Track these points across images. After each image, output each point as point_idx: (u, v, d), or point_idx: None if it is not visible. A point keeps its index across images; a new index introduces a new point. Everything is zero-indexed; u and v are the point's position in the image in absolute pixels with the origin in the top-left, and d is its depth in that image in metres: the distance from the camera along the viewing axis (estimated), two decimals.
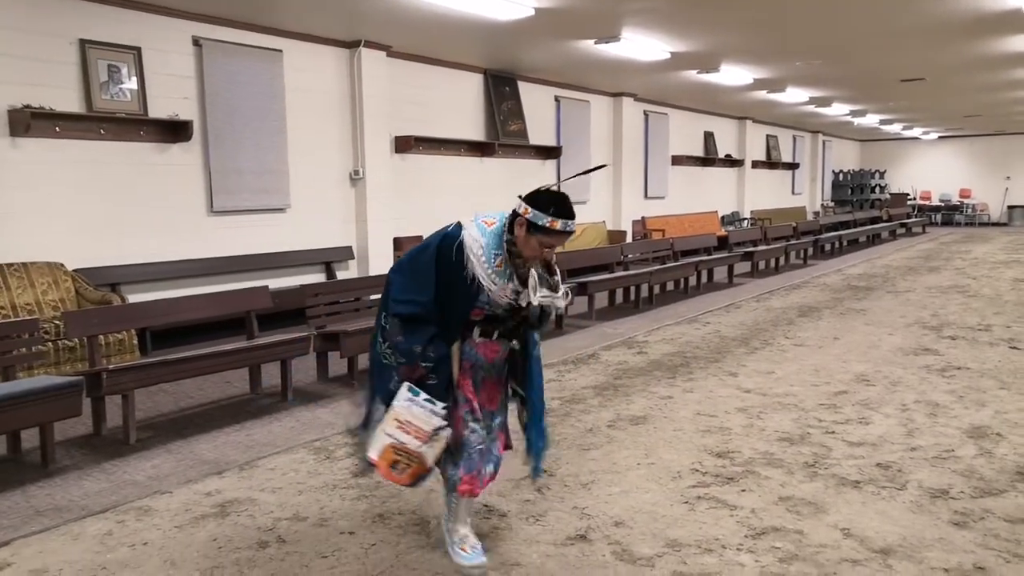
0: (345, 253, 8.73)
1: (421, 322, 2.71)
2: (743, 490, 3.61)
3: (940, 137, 25.42)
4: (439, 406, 2.71)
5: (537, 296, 2.68)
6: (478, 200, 10.74)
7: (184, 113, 7.08)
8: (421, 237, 9.65)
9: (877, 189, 24.92)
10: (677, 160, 15.69)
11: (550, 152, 11.96)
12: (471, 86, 10.60)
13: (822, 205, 23.02)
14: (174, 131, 7.01)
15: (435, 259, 2.73)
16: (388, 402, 2.75)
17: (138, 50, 6.75)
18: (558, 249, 2.81)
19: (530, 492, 3.63)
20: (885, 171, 25.47)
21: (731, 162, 17.86)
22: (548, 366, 6.20)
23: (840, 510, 3.37)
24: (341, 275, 8.64)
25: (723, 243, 13.58)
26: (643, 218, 14.50)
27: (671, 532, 3.19)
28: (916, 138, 25.59)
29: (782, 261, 13.58)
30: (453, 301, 2.74)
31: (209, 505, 3.53)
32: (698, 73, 11.46)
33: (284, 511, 3.45)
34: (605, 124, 13.50)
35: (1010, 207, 24.61)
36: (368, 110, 8.66)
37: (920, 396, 5.15)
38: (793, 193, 21.51)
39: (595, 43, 9.03)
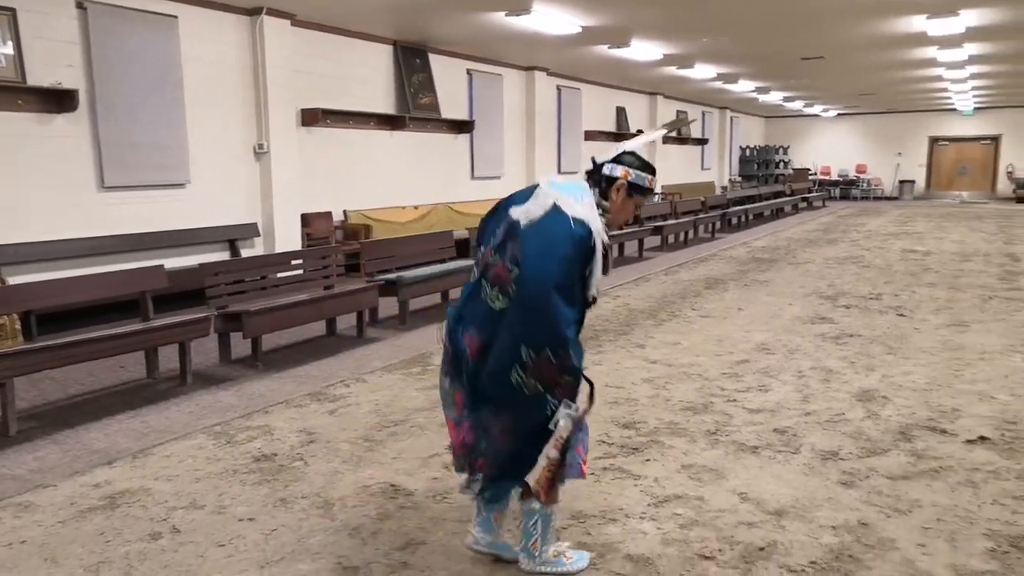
0: (250, 230, 8.43)
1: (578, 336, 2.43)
2: (647, 459, 3.68)
3: (838, 115, 26.54)
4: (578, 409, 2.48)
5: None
6: (389, 174, 10.57)
7: (69, 81, 6.64)
8: (331, 214, 9.44)
9: (781, 164, 25.83)
10: (590, 135, 15.82)
11: (463, 126, 11.85)
12: (381, 58, 10.36)
13: (730, 180, 23.71)
14: (58, 100, 6.58)
15: (577, 264, 2.40)
16: (541, 429, 2.44)
17: (13, 12, 6.27)
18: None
19: (438, 470, 3.60)
20: (788, 147, 26.42)
21: None
22: None
23: (739, 475, 3.48)
24: (247, 253, 8.35)
25: (634, 218, 13.80)
26: None
27: (577, 504, 3.21)
28: (816, 115, 26.62)
29: (691, 235, 13.93)
30: (581, 299, 2.46)
31: (97, 497, 3.35)
32: (609, 48, 11.53)
33: (179, 500, 3.31)
34: (518, 98, 13.46)
35: (901, 182, 25.97)
36: (272, 81, 8.35)
37: (815, 363, 5.38)
38: (702, 168, 22.06)
39: (506, 15, 8.95)
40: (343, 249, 8.23)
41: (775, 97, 20.37)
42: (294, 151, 8.75)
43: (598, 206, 2.51)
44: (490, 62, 12.49)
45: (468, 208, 11.86)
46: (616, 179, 2.54)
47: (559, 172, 14.84)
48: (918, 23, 9.92)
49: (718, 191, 21.50)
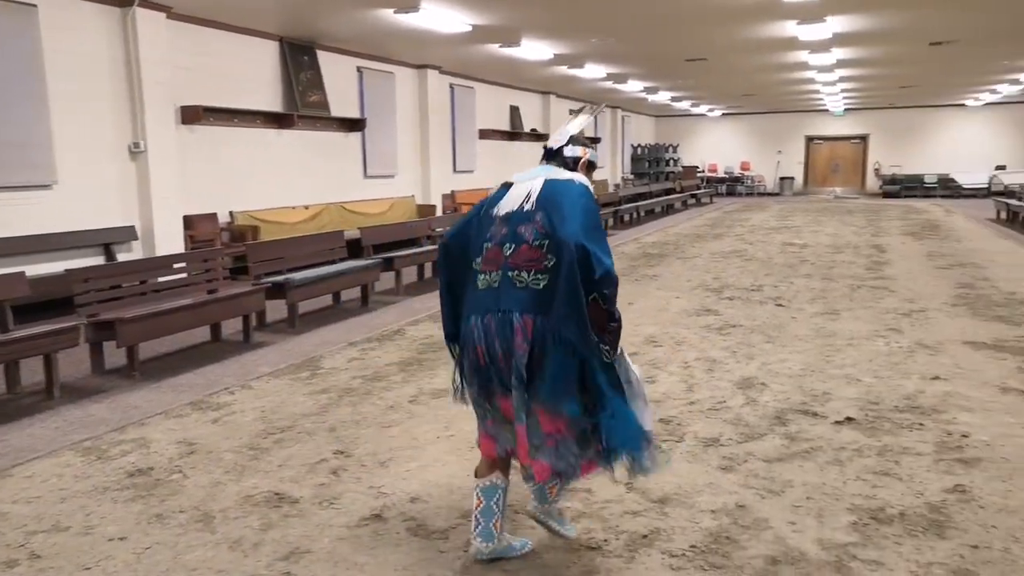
0: (127, 233, 7.99)
1: None
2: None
3: (723, 114, 27.70)
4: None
5: None
6: (278, 173, 10.26)
7: None
8: (216, 215, 9.07)
9: (671, 162, 26.71)
10: (485, 134, 15.87)
11: (354, 124, 11.65)
12: (266, 54, 10.04)
13: (622, 178, 24.32)
14: None
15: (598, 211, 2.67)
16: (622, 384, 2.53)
17: None
18: None
19: (325, 476, 3.51)
20: (678, 145, 27.34)
21: (537, 136, 18.32)
22: (352, 344, 6.07)
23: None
24: (124, 258, 7.90)
25: None
26: (453, 192, 14.55)
27: (467, 503, 3.20)
28: (703, 115, 27.69)
29: None
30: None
31: None
32: (500, 47, 11.60)
33: (40, 523, 3.09)
34: (411, 96, 13.34)
35: (781, 178, 27.36)
36: (148, 77, 7.93)
37: (700, 353, 5.57)
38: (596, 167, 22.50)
39: (395, 12, 8.85)
40: (228, 252, 7.95)
41: (663, 97, 21.04)
42: (174, 150, 8.35)
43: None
44: (381, 60, 12.32)
45: (361, 207, 11.67)
46: (579, 158, 2.80)
47: (454, 171, 14.81)
48: (790, 28, 10.46)
49: (611, 189, 22.00)
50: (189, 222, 8.65)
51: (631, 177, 25.04)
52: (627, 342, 5.94)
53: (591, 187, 2.70)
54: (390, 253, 8.46)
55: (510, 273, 2.53)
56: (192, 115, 8.63)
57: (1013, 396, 4.44)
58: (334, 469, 3.58)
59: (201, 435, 4.08)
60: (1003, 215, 15.94)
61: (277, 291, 6.55)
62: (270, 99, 10.10)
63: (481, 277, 2.60)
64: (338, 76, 11.38)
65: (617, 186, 22.96)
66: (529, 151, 18.25)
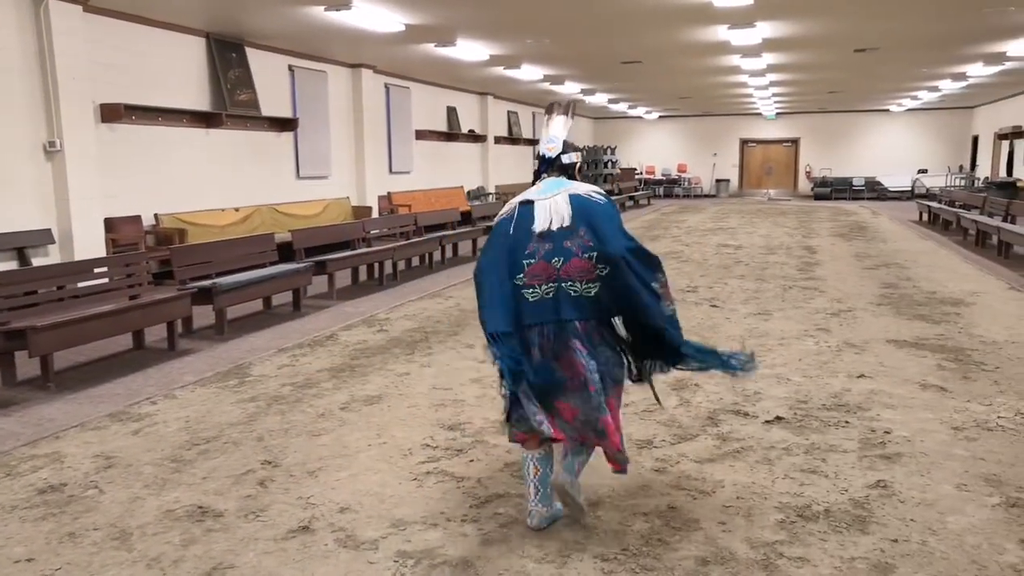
0: (43, 237, 7.61)
1: None
2: (471, 460, 3.67)
3: (660, 117, 28.12)
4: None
5: None
6: (206, 174, 9.96)
7: None
8: (140, 218, 8.75)
9: (609, 164, 26.98)
10: (421, 135, 15.74)
11: (286, 124, 11.39)
12: (192, 51, 9.72)
13: None
14: None
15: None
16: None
17: None
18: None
19: (252, 488, 3.39)
20: (616, 147, 27.64)
21: (474, 137, 18.29)
22: (282, 351, 5.92)
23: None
24: (40, 262, 7.53)
25: (468, 218, 13.90)
26: (389, 193, 14.38)
27: (398, 511, 3.14)
28: (640, 117, 28.06)
29: None
30: None
31: None
32: (436, 47, 11.50)
33: None
34: (345, 96, 13.13)
35: (717, 180, 27.95)
36: (63, 73, 7.56)
37: None
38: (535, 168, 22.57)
39: (325, 10, 8.68)
40: (153, 255, 7.67)
41: (601, 99, 21.23)
42: (93, 150, 7.99)
43: None
44: (313, 58, 12.09)
45: (294, 209, 11.43)
46: (575, 164, 3.13)
47: (391, 172, 14.65)
48: (722, 33, 10.66)
49: None
50: (111, 225, 8.31)
51: None
52: None
53: (611, 199, 3.05)
54: (323, 256, 8.29)
55: (564, 284, 2.84)
56: (113, 113, 8.29)
57: (932, 392, 4.59)
58: (261, 480, 3.46)
59: (120, 448, 3.90)
60: (925, 217, 16.59)
61: (204, 296, 6.33)
62: (197, 97, 9.79)
63: (530, 291, 2.85)
64: (269, 74, 11.11)
65: None
66: (467, 152, 18.19)
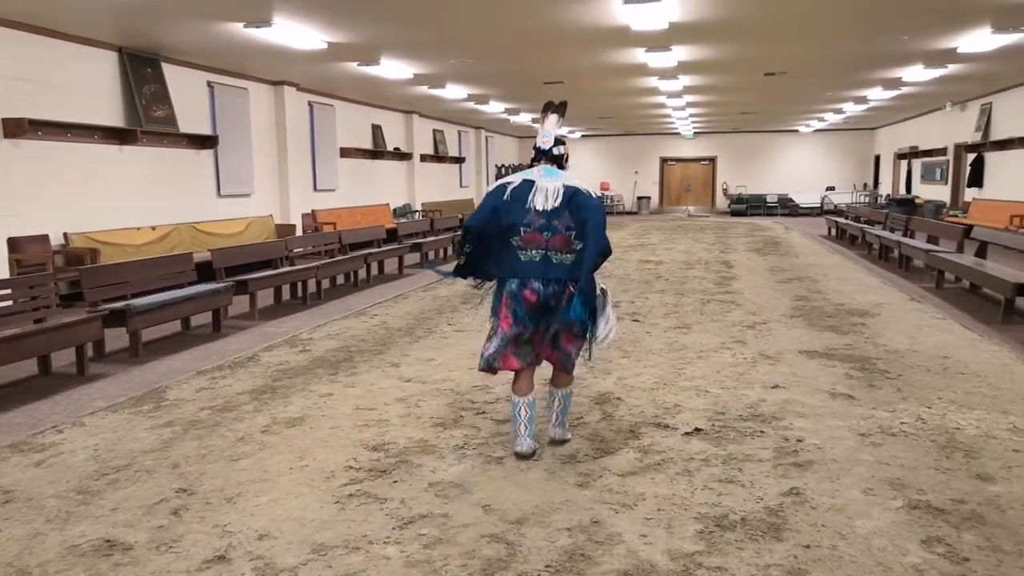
0: None
1: None
2: (395, 481, 3.63)
3: (583, 136, 28.63)
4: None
5: None
6: (121, 192, 9.62)
7: None
8: (47, 237, 8.37)
9: None
10: (346, 152, 15.59)
11: (205, 141, 11.12)
12: (104, 65, 9.40)
13: None
14: None
15: None
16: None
17: None
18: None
19: (164, 517, 3.27)
20: None
21: (400, 155, 18.23)
22: (201, 373, 5.74)
23: (484, 488, 3.54)
24: None
25: (394, 235, 13.81)
26: (313, 211, 14.18)
27: (319, 536, 3.08)
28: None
29: (451, 251, 14.20)
30: None
31: None
32: (359, 65, 11.45)
33: None
34: (267, 113, 12.91)
35: (639, 198, 28.61)
36: None
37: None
38: (461, 186, 22.67)
39: (244, 26, 8.53)
40: (62, 277, 7.35)
41: (525, 118, 21.47)
42: None
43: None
44: (234, 75, 11.85)
45: (215, 228, 11.14)
46: (563, 155, 3.95)
47: (315, 189, 14.45)
48: (640, 55, 10.97)
49: (477, 207, 22.17)
50: (15, 245, 7.92)
51: None
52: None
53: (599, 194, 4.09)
54: (245, 275, 8.09)
55: (549, 253, 3.75)
56: (16, 128, 7.92)
57: (840, 400, 4.80)
58: (175, 509, 3.34)
59: (20, 481, 3.70)
60: (833, 232, 17.37)
61: (117, 318, 6.10)
62: (109, 113, 9.46)
63: (523, 252, 3.76)
64: (187, 90, 10.83)
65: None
66: (392, 169, 18.10)
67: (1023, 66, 12.45)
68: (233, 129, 11.79)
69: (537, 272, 3.74)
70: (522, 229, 3.72)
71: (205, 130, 11.23)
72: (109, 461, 3.94)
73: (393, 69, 11.89)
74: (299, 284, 9.10)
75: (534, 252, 3.74)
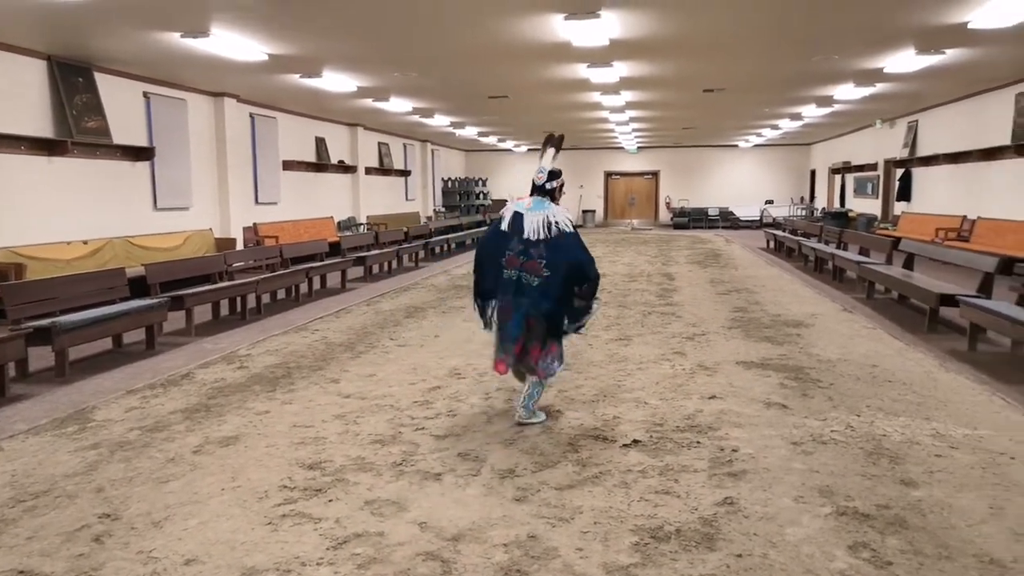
0: None
1: None
2: (330, 500, 3.57)
3: (529, 150, 28.79)
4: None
5: None
6: (49, 205, 9.30)
7: None
8: None
9: (481, 196, 27.33)
10: (289, 165, 15.39)
11: (141, 152, 10.84)
12: (31, 74, 9.10)
13: (434, 210, 24.52)
14: None
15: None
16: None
17: None
18: None
19: (85, 545, 3.14)
20: (487, 179, 28.06)
21: (345, 168, 18.06)
22: (131, 392, 5.57)
23: (421, 504, 3.51)
24: None
25: (337, 249, 13.65)
26: (255, 225, 13.93)
27: (249, 559, 3.00)
28: (510, 150, 28.65)
29: (395, 265, 14.10)
30: None
31: None
32: (301, 77, 11.32)
33: None
34: (207, 125, 12.66)
35: (584, 211, 28.87)
36: None
37: (502, 383, 5.64)
38: (407, 199, 22.55)
39: (181, 36, 8.36)
40: None
41: (471, 132, 21.52)
42: None
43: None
44: (172, 85, 11.60)
45: (151, 242, 10.85)
46: (555, 188, 4.69)
47: (257, 203, 14.22)
48: (583, 71, 11.10)
49: (423, 221, 22.11)
50: None
51: (442, 210, 25.31)
52: (432, 375, 5.95)
53: (571, 220, 4.65)
54: (180, 291, 7.89)
55: (522, 274, 4.52)
56: None
57: (774, 410, 4.90)
58: (97, 535, 3.22)
59: None
60: (772, 244, 17.81)
61: (43, 336, 5.87)
62: (37, 123, 9.14)
63: (506, 271, 4.55)
64: (121, 101, 10.55)
65: (429, 218, 23.11)
66: (337, 182, 17.91)
67: (946, 86, 13.02)
68: (171, 141, 11.52)
69: (511, 288, 4.52)
70: (507, 252, 4.54)
71: (141, 141, 10.95)
72: (27, 487, 3.77)
73: (336, 82, 11.79)
74: (238, 299, 8.90)
75: (512, 272, 4.52)
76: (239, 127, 13.50)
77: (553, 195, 4.65)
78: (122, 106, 10.55)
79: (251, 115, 14.06)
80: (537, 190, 4.65)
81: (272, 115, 14.75)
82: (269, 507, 3.50)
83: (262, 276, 9.52)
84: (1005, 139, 12.61)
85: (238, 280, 9.22)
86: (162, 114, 11.37)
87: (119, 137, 10.36)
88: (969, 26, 8.26)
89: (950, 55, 9.94)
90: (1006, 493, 3.56)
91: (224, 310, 9.03)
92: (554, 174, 4.66)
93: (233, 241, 12.71)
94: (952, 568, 2.88)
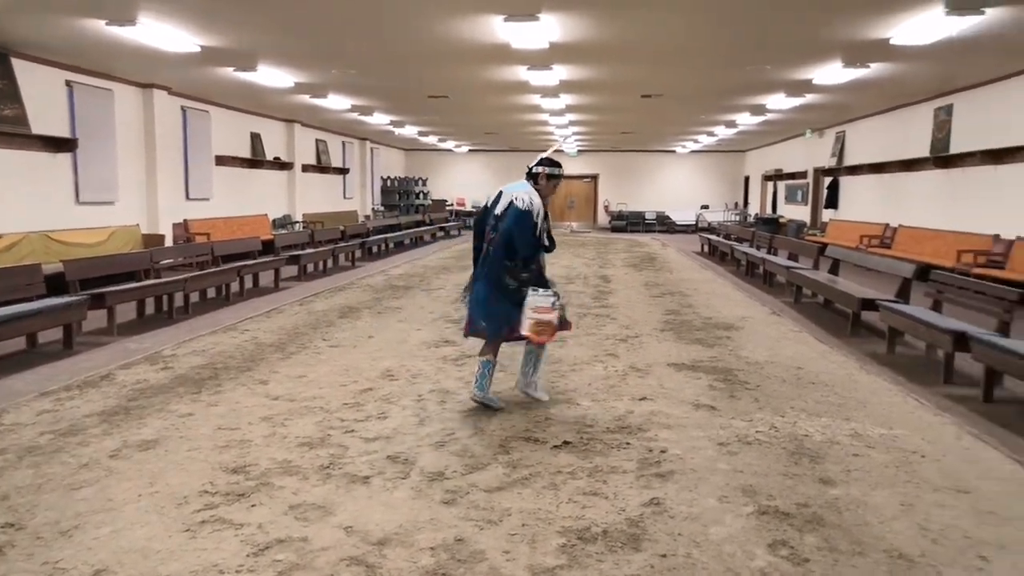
0: None
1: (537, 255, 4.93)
2: (253, 505, 3.47)
3: (470, 150, 28.78)
4: (549, 291, 4.85)
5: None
6: None
7: None
8: None
9: (421, 195, 27.13)
10: (222, 160, 15.01)
11: (62, 143, 10.41)
12: None
13: (373, 209, 24.25)
14: None
15: (529, 222, 4.78)
16: (517, 307, 4.78)
17: None
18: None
19: None
20: (427, 179, 27.88)
21: (281, 165, 17.71)
22: (45, 394, 5.33)
23: (347, 508, 3.45)
24: None
25: (271, 247, 13.36)
26: (186, 221, 13.53)
27: (164, 568, 2.89)
28: (451, 150, 28.55)
29: (330, 264, 13.88)
30: (538, 239, 4.84)
31: None
32: (235, 71, 11.05)
33: None
34: (135, 117, 12.24)
35: None
36: None
37: (435, 385, 5.62)
38: (345, 197, 22.24)
39: (107, 24, 8.05)
40: None
41: (411, 131, 21.37)
42: None
43: (536, 190, 4.92)
44: (97, 75, 11.16)
45: (72, 237, 10.43)
46: (539, 173, 4.98)
47: (187, 198, 13.81)
48: (522, 73, 11.14)
49: (361, 220, 21.83)
50: None
51: (381, 209, 25.05)
52: (364, 377, 5.87)
53: (534, 205, 4.80)
54: (101, 288, 7.59)
55: (489, 247, 4.86)
56: None
57: (703, 412, 4.99)
58: (2, 547, 3.06)
59: None
60: (706, 248, 18.20)
61: None
62: None
63: (487, 247, 4.89)
64: (41, 89, 10.11)
65: (367, 217, 22.83)
66: (273, 179, 17.54)
67: (871, 99, 13.53)
68: (95, 132, 11.09)
69: (485, 261, 4.92)
70: (487, 228, 4.91)
71: (62, 132, 10.50)
72: None
73: (272, 77, 11.54)
74: (165, 298, 8.62)
75: (487, 247, 4.90)
76: (170, 120, 13.10)
77: (536, 179, 4.95)
78: (42, 94, 10.11)
79: (183, 108, 13.66)
80: (527, 175, 5.01)
81: (205, 109, 14.36)
82: (188, 513, 3.38)
83: (191, 274, 9.24)
84: (924, 151, 13.18)
85: (165, 278, 8.93)
86: (86, 104, 10.94)
87: (38, 127, 9.92)
88: (891, 42, 8.60)
89: (874, 69, 10.33)
90: (916, 490, 3.70)
91: (150, 309, 8.74)
92: (544, 161, 5.00)
93: (162, 237, 12.31)
94: (864, 563, 2.97)
